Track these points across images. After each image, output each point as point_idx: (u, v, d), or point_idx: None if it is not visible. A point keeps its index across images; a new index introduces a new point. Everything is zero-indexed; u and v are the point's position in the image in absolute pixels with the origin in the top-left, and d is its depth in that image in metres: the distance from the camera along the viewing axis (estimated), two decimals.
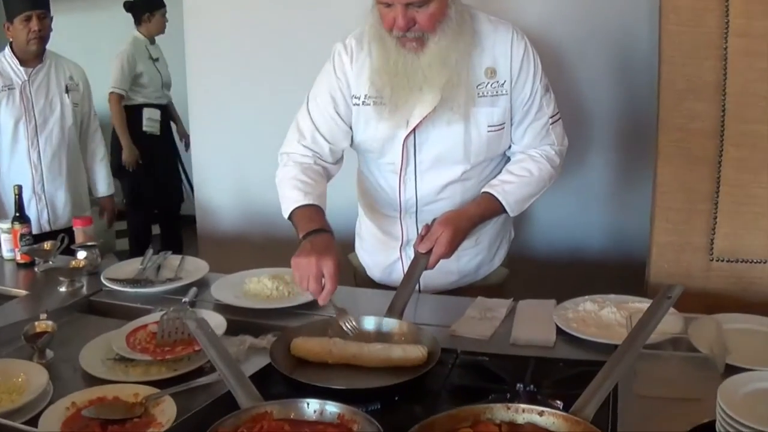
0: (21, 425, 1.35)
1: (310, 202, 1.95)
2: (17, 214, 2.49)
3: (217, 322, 1.78)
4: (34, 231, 2.57)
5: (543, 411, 1.24)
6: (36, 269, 2.35)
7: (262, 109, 3.24)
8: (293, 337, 1.65)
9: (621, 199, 2.94)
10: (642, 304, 1.87)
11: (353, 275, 2.40)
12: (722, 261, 2.12)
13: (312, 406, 1.31)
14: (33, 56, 3.32)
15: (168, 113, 5.35)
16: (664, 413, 1.39)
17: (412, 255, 2.13)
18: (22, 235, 2.44)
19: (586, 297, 1.94)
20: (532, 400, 1.39)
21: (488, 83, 1.98)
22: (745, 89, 2.05)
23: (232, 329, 1.78)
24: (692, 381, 1.46)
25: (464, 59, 1.93)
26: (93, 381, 1.56)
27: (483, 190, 2.05)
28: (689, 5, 2.06)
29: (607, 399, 1.29)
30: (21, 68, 3.29)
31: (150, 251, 2.41)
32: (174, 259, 2.38)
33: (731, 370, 1.45)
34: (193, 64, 3.43)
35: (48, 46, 3.38)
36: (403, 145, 2.03)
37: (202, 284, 2.17)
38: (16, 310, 2.04)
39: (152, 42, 5.15)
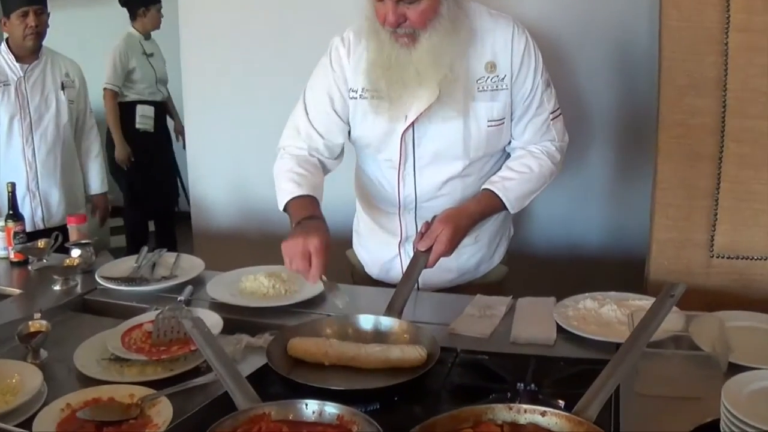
0: (15, 428, 1.33)
1: (304, 193, 1.96)
2: (11, 212, 2.47)
3: (214, 321, 1.76)
4: (28, 229, 2.56)
5: (545, 411, 1.23)
6: (30, 268, 2.33)
7: (258, 105, 3.22)
8: (290, 337, 1.63)
9: (620, 196, 2.92)
10: (642, 302, 1.86)
11: (351, 273, 2.39)
12: (723, 258, 2.11)
13: (311, 407, 1.29)
14: (29, 52, 3.30)
15: (163, 110, 5.32)
16: (667, 412, 1.38)
17: (411, 252, 2.12)
18: (16, 233, 2.41)
19: (586, 294, 1.92)
20: (533, 399, 1.38)
21: (488, 77, 1.97)
22: (745, 85, 2.03)
23: (228, 328, 1.76)
24: (695, 380, 1.45)
25: (460, 56, 1.91)
26: (88, 381, 1.54)
27: (483, 186, 2.03)
28: (690, 0, 2.04)
29: (609, 398, 1.27)
30: (17, 64, 3.27)
31: (145, 249, 2.40)
32: (169, 257, 2.36)
33: (734, 368, 1.43)
34: (188, 60, 3.41)
35: (44, 42, 3.36)
36: (401, 140, 2.01)
37: (197, 282, 2.15)
38: (9, 309, 2.02)
39: (147, 37, 5.13)
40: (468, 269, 2.22)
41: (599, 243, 2.97)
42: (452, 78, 1.91)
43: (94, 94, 3.94)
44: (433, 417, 1.23)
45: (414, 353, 1.54)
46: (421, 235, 1.89)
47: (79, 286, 2.16)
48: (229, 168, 3.43)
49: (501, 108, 2.00)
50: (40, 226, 3.35)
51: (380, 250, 2.25)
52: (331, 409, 1.28)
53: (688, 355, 1.50)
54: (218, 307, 1.97)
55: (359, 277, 2.35)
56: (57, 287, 2.13)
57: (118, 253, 2.63)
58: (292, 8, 3.11)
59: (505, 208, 2.02)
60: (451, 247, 1.88)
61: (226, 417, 1.24)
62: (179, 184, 5.52)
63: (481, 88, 1.97)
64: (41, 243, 2.38)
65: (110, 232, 5.44)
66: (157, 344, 1.70)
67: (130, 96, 5.07)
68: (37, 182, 3.35)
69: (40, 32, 3.28)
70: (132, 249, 4.90)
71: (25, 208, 3.22)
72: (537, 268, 2.92)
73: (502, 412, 1.24)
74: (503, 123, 2.02)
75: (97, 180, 3.73)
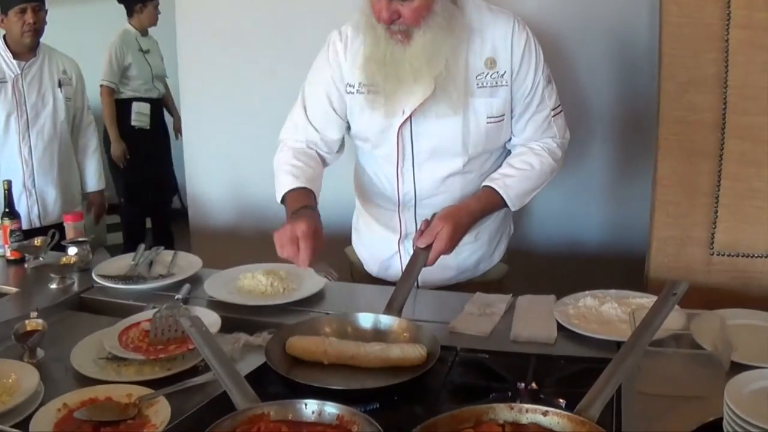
0: (11, 429, 1.32)
1: (300, 185, 1.97)
2: (7, 210, 2.45)
3: (212, 320, 1.75)
4: (24, 227, 2.54)
5: (547, 411, 1.22)
6: (26, 266, 2.31)
7: (255, 102, 3.21)
8: (289, 336, 1.62)
9: (620, 193, 2.92)
10: (643, 300, 1.86)
11: (350, 271, 2.37)
12: (723, 255, 2.10)
13: (310, 407, 1.28)
14: (27, 49, 3.29)
15: (159, 107, 5.31)
16: (669, 411, 1.37)
17: (410, 249, 2.11)
18: (12, 231, 2.39)
19: (586, 292, 1.91)
20: (534, 398, 1.37)
21: (488, 74, 1.95)
22: (746, 81, 2.02)
23: (226, 326, 1.75)
24: (697, 378, 1.44)
25: (456, 53, 1.90)
26: (85, 381, 1.52)
27: (484, 184, 2.02)
28: None
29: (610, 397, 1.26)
30: (14, 61, 3.25)
31: (142, 247, 2.38)
32: (166, 255, 2.35)
33: (736, 367, 1.43)
34: (185, 57, 3.40)
35: (42, 39, 3.34)
36: (398, 135, 2.00)
37: (195, 280, 2.14)
38: (5, 308, 2.00)
39: (144, 34, 5.12)
40: (467, 267, 2.21)
41: (599, 240, 2.96)
42: (448, 74, 1.90)
43: (91, 90, 3.93)
44: (433, 417, 1.21)
45: (414, 352, 1.53)
46: (420, 233, 1.88)
47: (75, 285, 2.15)
48: (226, 165, 3.42)
49: (500, 104, 1.99)
50: (37, 224, 3.33)
51: (379, 247, 2.23)
52: (331, 409, 1.26)
53: (690, 353, 1.49)
54: (216, 305, 1.96)
55: (358, 274, 2.33)
56: (54, 285, 2.12)
57: (114, 251, 2.63)
58: (290, 4, 3.10)
59: (506, 205, 2.01)
60: (451, 245, 1.87)
61: (225, 417, 1.23)
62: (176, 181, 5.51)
63: (480, 84, 1.96)
64: (38, 241, 2.36)
65: (107, 229, 5.43)
66: (154, 343, 1.68)
67: (126, 93, 5.06)
68: (34, 180, 3.33)
69: (37, 29, 3.26)
70: (129, 246, 4.91)
71: (21, 206, 3.20)
72: (536, 265, 2.91)
73: (504, 412, 1.23)
74: (503, 120, 2.01)
75: (94, 177, 3.72)
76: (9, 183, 2.53)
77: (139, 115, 5.11)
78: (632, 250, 2.70)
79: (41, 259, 2.31)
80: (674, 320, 1.50)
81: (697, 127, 2.08)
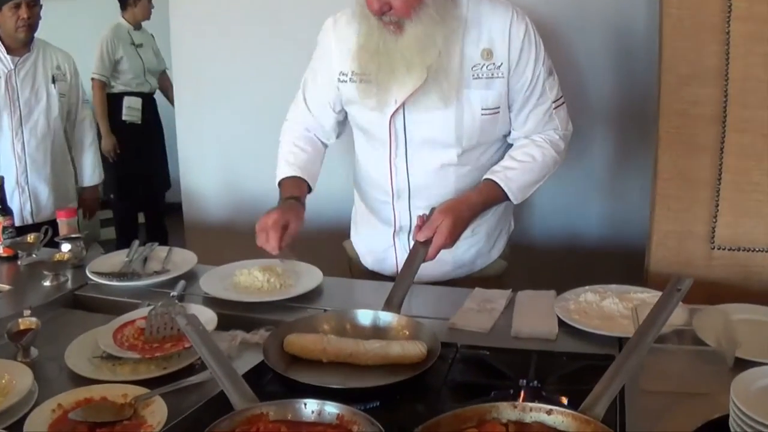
0: (4, 431, 1.29)
1: (292, 173, 2.09)
2: None
3: (208, 317, 1.72)
4: (16, 223, 2.51)
5: (551, 410, 1.19)
6: (19, 263, 2.28)
7: (250, 96, 3.19)
8: (286, 334, 1.59)
9: (620, 187, 2.90)
10: (644, 295, 1.84)
11: (348, 265, 2.36)
12: (724, 249, 2.08)
13: (310, 407, 1.25)
14: (21, 44, 3.25)
15: (152, 101, 5.27)
16: (673, 409, 1.36)
17: (405, 243, 2.11)
18: (5, 228, 2.37)
19: (587, 287, 1.89)
20: (536, 396, 1.35)
21: (484, 65, 1.93)
22: (747, 74, 2.00)
23: (223, 324, 1.73)
24: (700, 375, 1.43)
25: (449, 44, 1.89)
26: (79, 381, 1.50)
27: (485, 176, 2.00)
28: None
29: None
30: (7, 57, 3.21)
31: (136, 243, 2.36)
32: (161, 251, 2.32)
33: (740, 363, 1.42)
34: (179, 51, 3.37)
35: (36, 32, 3.30)
36: (391, 124, 1.99)
37: (190, 277, 2.11)
38: None
39: (137, 28, 5.09)
40: (464, 262, 2.18)
41: (599, 234, 2.95)
42: (440, 65, 1.88)
43: (85, 84, 3.89)
44: (435, 415, 1.19)
45: (414, 349, 1.51)
46: (419, 227, 1.86)
47: (69, 282, 2.12)
48: (221, 159, 3.40)
49: (496, 96, 1.96)
50: (29, 220, 3.29)
51: (374, 240, 2.22)
52: (331, 408, 1.24)
53: (694, 350, 1.48)
54: (211, 302, 1.93)
55: (356, 269, 2.32)
56: (47, 283, 2.09)
57: (108, 246, 2.60)
58: None
59: (507, 198, 1.98)
60: (452, 239, 1.84)
61: (223, 418, 1.20)
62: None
63: (476, 76, 1.94)
64: (31, 237, 2.33)
65: (100, 224, 5.40)
66: (149, 341, 1.66)
67: (117, 87, 5.03)
68: (27, 176, 3.30)
69: (32, 24, 3.22)
70: (122, 241, 4.89)
71: (13, 203, 3.17)
72: (536, 260, 2.89)
73: (507, 411, 1.21)
74: (498, 112, 1.99)
75: (90, 171, 3.68)
76: (1, 179, 2.50)
77: (131, 109, 5.07)
78: (632, 244, 2.68)
79: (34, 255, 2.28)
80: (676, 316, 1.48)
81: (698, 120, 2.05)
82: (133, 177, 5.14)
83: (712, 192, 2.07)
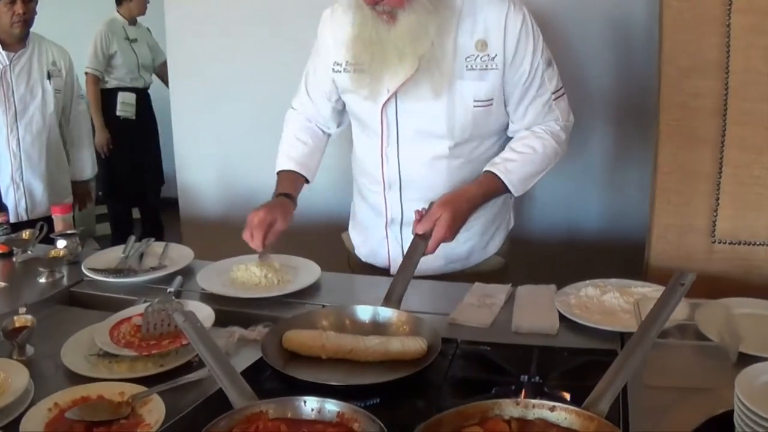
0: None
1: (288, 167, 2.14)
2: None
3: (205, 314, 1.70)
4: (11, 220, 2.49)
5: (554, 406, 1.18)
6: (14, 260, 2.26)
7: (246, 90, 3.18)
8: (285, 330, 1.57)
9: (620, 180, 2.89)
10: (645, 289, 1.83)
11: (347, 258, 2.34)
12: (724, 243, 2.08)
13: (310, 405, 1.23)
14: (16, 40, 3.22)
15: (146, 96, 5.26)
16: (677, 404, 1.34)
17: (397, 235, 2.09)
18: (0, 224, 2.34)
19: (587, 282, 1.88)
20: (538, 392, 1.34)
21: (478, 56, 1.91)
22: (748, 67, 1.99)
23: (220, 320, 1.71)
24: (704, 370, 1.42)
25: (442, 34, 1.87)
26: (76, 378, 1.48)
27: (485, 168, 1.98)
28: None
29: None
30: (3, 52, 3.19)
31: (132, 238, 2.34)
32: (157, 247, 2.30)
33: (743, 358, 1.40)
34: (174, 46, 3.35)
35: (32, 26, 3.27)
36: (382, 114, 1.98)
37: (187, 272, 2.10)
38: None
39: (133, 23, 5.07)
40: (457, 257, 2.15)
41: (598, 228, 2.94)
42: (433, 56, 1.87)
43: (80, 78, 3.87)
44: (436, 412, 1.18)
45: (415, 345, 1.49)
46: (418, 221, 1.84)
47: (65, 278, 2.10)
48: (217, 154, 3.39)
49: (489, 88, 1.94)
50: (24, 217, 3.28)
51: (368, 230, 2.22)
52: (332, 406, 1.22)
53: (696, 345, 1.47)
54: (209, 298, 1.92)
55: (354, 263, 2.31)
56: (42, 280, 2.08)
57: (104, 241, 2.58)
58: None
59: (507, 190, 1.96)
60: (451, 232, 1.83)
61: (222, 416, 1.19)
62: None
63: (470, 67, 1.92)
64: (26, 234, 2.32)
65: (96, 219, 5.38)
66: (146, 338, 1.64)
67: (111, 82, 5.01)
68: (21, 173, 3.28)
69: (27, 20, 3.19)
70: (117, 237, 4.87)
71: (8, 199, 3.16)
72: (535, 254, 2.88)
73: (509, 408, 1.19)
74: (491, 104, 1.97)
75: (85, 165, 3.66)
76: None
77: (125, 105, 5.06)
78: (632, 238, 2.67)
79: (29, 252, 2.27)
80: (678, 310, 1.46)
81: (698, 112, 2.05)
82: (127, 173, 5.12)
83: (713, 185, 2.06)
